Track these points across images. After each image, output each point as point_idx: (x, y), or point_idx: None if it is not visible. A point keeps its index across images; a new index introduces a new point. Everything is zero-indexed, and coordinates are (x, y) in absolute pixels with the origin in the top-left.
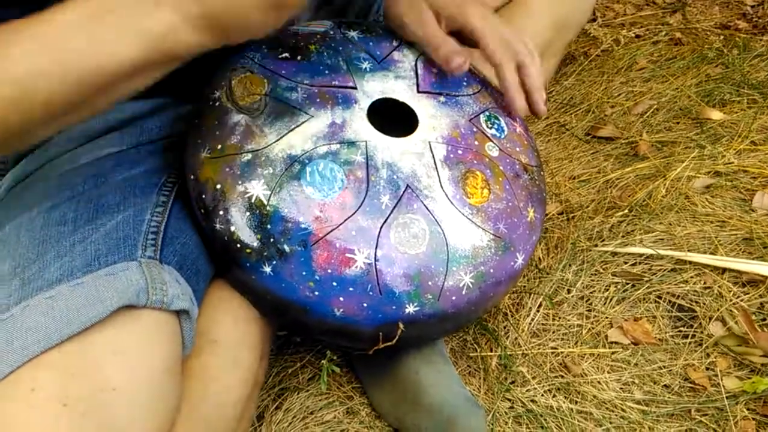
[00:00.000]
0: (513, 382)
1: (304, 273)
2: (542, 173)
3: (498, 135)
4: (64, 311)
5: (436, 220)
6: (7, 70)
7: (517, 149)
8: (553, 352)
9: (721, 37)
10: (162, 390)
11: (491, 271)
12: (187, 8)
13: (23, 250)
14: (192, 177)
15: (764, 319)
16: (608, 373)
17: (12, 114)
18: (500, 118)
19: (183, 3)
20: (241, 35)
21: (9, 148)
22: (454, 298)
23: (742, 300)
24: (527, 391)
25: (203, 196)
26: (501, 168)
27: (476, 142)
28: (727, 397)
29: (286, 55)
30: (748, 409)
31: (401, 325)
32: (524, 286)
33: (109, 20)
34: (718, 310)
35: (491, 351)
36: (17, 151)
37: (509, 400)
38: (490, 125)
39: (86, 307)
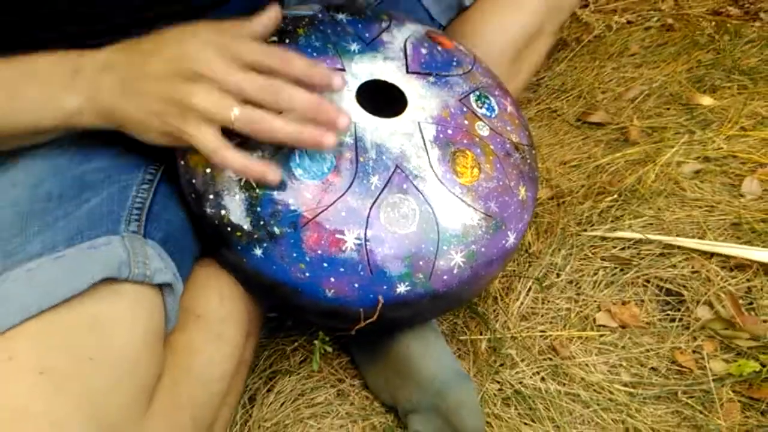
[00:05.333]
0: (502, 365)
1: (294, 255)
2: (534, 152)
3: (488, 114)
4: (44, 283)
5: (426, 199)
6: None
7: (508, 128)
8: (541, 335)
9: (713, 23)
10: (140, 362)
11: (483, 250)
12: (99, 99)
13: (6, 224)
14: (182, 162)
15: (751, 303)
16: (596, 355)
17: None
18: (491, 98)
19: (98, 91)
20: (135, 135)
21: None
22: (445, 277)
23: (729, 284)
24: (516, 373)
25: (193, 181)
26: (491, 147)
27: (466, 122)
28: (713, 380)
29: (274, 39)
30: (733, 392)
31: (381, 299)
32: (514, 270)
33: (27, 87)
34: (705, 294)
35: (481, 334)
36: None
37: (498, 382)
38: (480, 105)
39: (66, 280)
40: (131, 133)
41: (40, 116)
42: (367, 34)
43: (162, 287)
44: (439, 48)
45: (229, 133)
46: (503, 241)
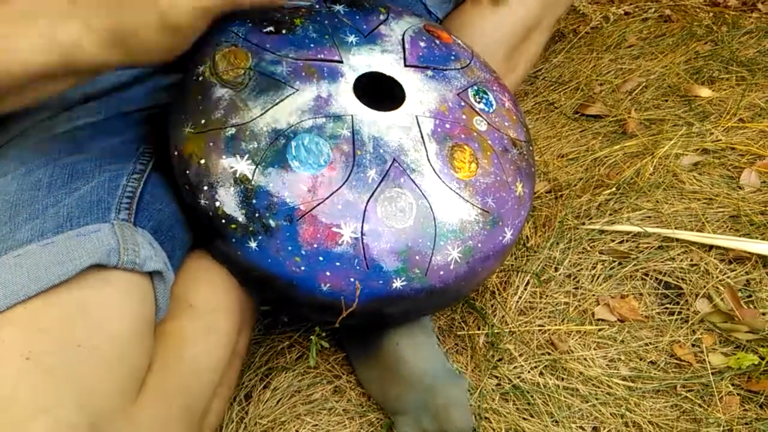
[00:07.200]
0: (500, 360)
1: (290, 248)
2: (531, 148)
3: (486, 109)
4: (33, 269)
5: (423, 194)
6: None
7: (506, 124)
8: (540, 330)
9: (711, 14)
10: (129, 350)
11: (479, 245)
12: (94, 21)
13: None
14: (176, 152)
15: (750, 296)
16: (595, 349)
17: None
18: (489, 93)
19: (91, 16)
20: (144, 56)
21: None
22: (442, 273)
23: (728, 277)
24: (514, 368)
25: (187, 172)
26: (489, 142)
27: (464, 117)
28: (712, 373)
29: (271, 29)
30: (732, 385)
31: (359, 285)
32: (512, 265)
33: (23, 27)
34: (704, 287)
35: (478, 329)
36: None
37: (496, 377)
38: (478, 99)
39: (55, 266)
40: (135, 53)
41: (36, 54)
42: (364, 26)
43: (152, 276)
44: (438, 42)
45: None
46: (500, 237)
